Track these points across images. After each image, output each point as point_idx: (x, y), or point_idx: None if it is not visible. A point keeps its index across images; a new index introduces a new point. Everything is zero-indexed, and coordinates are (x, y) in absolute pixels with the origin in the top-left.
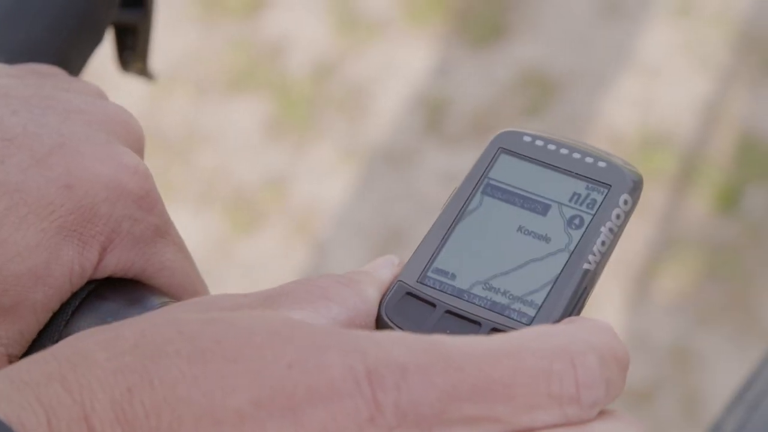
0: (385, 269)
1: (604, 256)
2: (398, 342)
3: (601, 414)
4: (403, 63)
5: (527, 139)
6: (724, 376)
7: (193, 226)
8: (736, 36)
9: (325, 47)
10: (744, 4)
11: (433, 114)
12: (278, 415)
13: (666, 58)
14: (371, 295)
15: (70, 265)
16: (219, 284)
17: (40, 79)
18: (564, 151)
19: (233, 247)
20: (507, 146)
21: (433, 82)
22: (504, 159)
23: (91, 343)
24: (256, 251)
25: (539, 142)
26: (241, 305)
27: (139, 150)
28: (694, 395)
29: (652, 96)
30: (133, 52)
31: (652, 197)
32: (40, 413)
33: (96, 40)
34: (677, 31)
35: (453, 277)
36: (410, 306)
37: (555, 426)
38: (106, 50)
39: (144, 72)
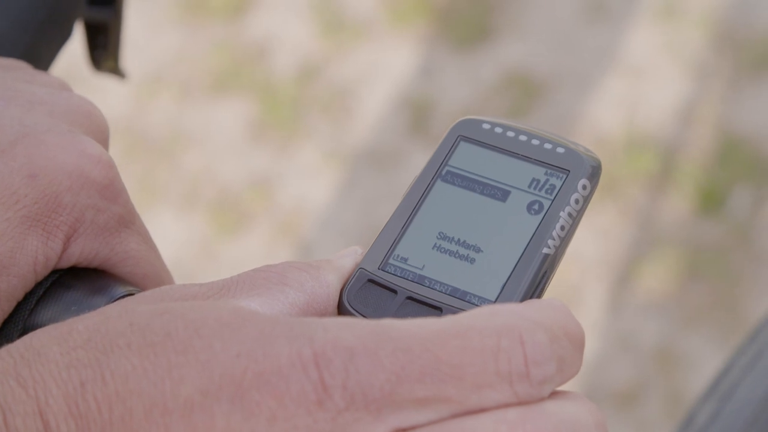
0: (347, 258)
1: (564, 240)
2: (346, 327)
3: (556, 394)
4: (388, 64)
5: (486, 126)
6: (708, 377)
7: (178, 228)
8: (720, 37)
9: (310, 49)
10: (728, 6)
11: (417, 115)
12: (226, 403)
13: (650, 59)
14: (330, 280)
15: (34, 255)
16: None
17: (3, 72)
18: (523, 137)
19: (218, 248)
20: (466, 134)
21: (417, 84)
22: (463, 146)
23: (45, 338)
24: (241, 252)
25: (498, 129)
26: (195, 295)
27: (104, 140)
28: (678, 396)
29: (636, 97)
30: (104, 50)
31: (636, 198)
32: None
33: (64, 36)
34: (661, 32)
35: (414, 263)
36: (372, 293)
37: (506, 405)
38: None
39: (115, 71)
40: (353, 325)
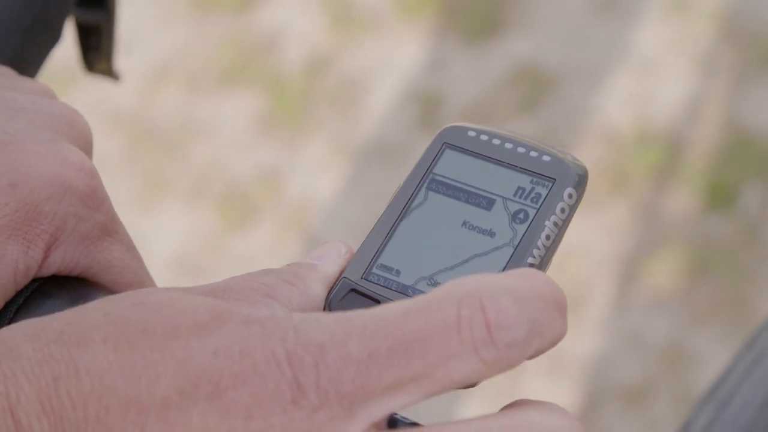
0: (331, 261)
1: (549, 250)
2: (315, 322)
3: (537, 405)
4: (397, 58)
5: (472, 134)
6: (717, 376)
7: (185, 221)
8: (731, 32)
9: (318, 42)
10: (738, 1)
11: (426, 109)
12: (203, 402)
13: (661, 53)
14: (317, 292)
15: (14, 264)
16: (211, 279)
17: None
18: (509, 145)
19: (226, 241)
20: (452, 141)
21: (426, 77)
22: (449, 154)
23: (18, 335)
24: (249, 246)
25: (484, 137)
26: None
27: (87, 148)
28: (686, 394)
29: (646, 92)
30: (97, 52)
31: (645, 194)
32: None
33: (52, 40)
34: (672, 27)
35: (397, 273)
36: (355, 302)
37: (477, 372)
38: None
39: (109, 72)
40: (321, 320)
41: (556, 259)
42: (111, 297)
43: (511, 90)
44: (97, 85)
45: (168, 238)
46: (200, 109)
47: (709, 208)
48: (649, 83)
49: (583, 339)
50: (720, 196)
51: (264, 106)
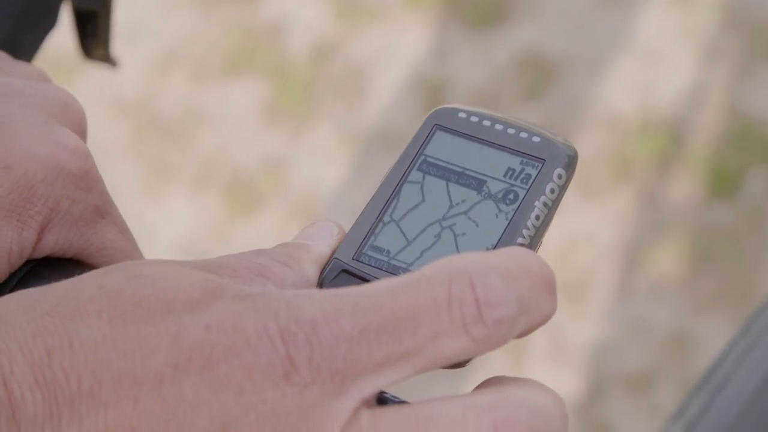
0: (324, 241)
1: (539, 230)
2: (307, 298)
3: (521, 382)
4: (402, 46)
5: (462, 115)
6: None
7: (191, 209)
8: (734, 20)
9: (324, 30)
10: None
11: (431, 97)
12: (196, 375)
13: (665, 41)
14: (309, 273)
15: (8, 246)
16: None
17: None
18: (499, 126)
19: (231, 230)
20: (442, 123)
21: (431, 66)
22: (439, 135)
23: (12, 306)
24: (254, 234)
25: (474, 118)
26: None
27: (81, 132)
28: (690, 381)
29: (650, 80)
30: (94, 39)
31: (649, 181)
32: None
33: (48, 25)
34: (676, 15)
35: (388, 253)
36: (346, 283)
37: (466, 349)
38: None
39: (106, 59)
40: (313, 296)
41: (559, 247)
42: (106, 269)
43: (516, 78)
44: (103, 73)
45: (173, 226)
46: (206, 97)
47: (712, 196)
48: (653, 71)
49: (586, 326)
50: (723, 183)
51: (269, 95)
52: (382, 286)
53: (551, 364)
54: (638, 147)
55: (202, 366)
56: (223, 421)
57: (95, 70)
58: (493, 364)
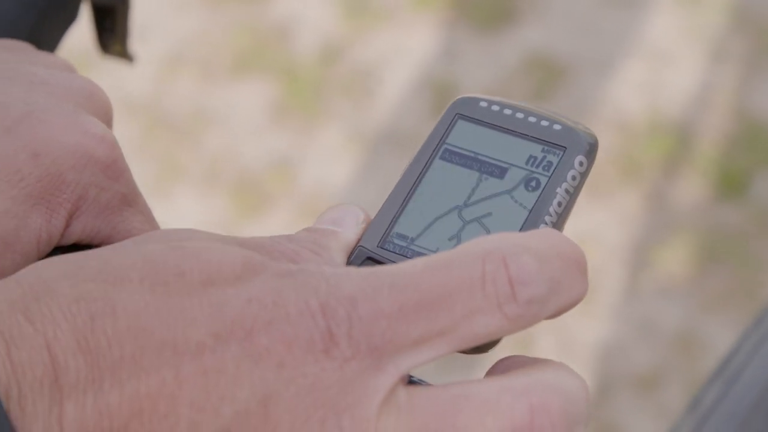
0: (351, 229)
1: (561, 216)
2: (345, 276)
3: (550, 364)
4: (410, 46)
5: (483, 104)
6: None
7: (199, 208)
8: (742, 21)
9: (332, 30)
10: None
11: (439, 98)
12: (236, 347)
13: (673, 42)
14: (338, 260)
15: (37, 233)
16: None
17: (6, 53)
18: (520, 115)
19: (239, 229)
20: (464, 112)
21: (439, 66)
22: (461, 124)
23: (55, 271)
24: (262, 233)
25: (495, 107)
26: (209, 238)
27: (107, 120)
28: (698, 381)
29: (658, 81)
30: (112, 34)
31: (657, 182)
32: (0, 342)
33: (69, 18)
34: (684, 16)
35: (412, 241)
36: None
37: (499, 327)
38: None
39: (123, 54)
40: (351, 274)
41: None
42: (146, 236)
43: (523, 79)
44: (111, 71)
45: (181, 225)
46: (214, 97)
47: (719, 197)
48: (661, 72)
49: (594, 326)
50: (731, 184)
51: (277, 94)
52: (417, 264)
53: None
54: (646, 148)
55: (243, 338)
56: (264, 394)
57: (104, 69)
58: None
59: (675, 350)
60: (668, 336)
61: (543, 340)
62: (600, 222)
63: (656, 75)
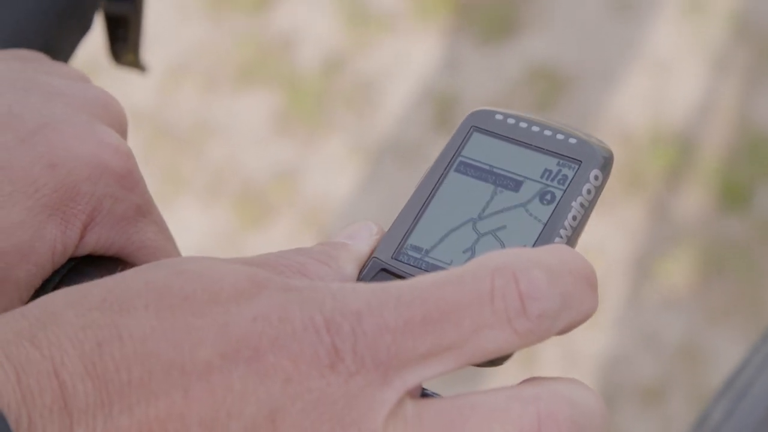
0: (363, 241)
1: (576, 230)
2: (351, 291)
3: (558, 378)
4: (412, 58)
5: (499, 117)
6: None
7: (202, 219)
8: (746, 33)
9: (335, 41)
10: (753, 1)
11: (441, 109)
12: (244, 365)
13: (676, 54)
14: (349, 272)
15: (53, 243)
16: None
17: (23, 63)
18: (535, 128)
19: (242, 240)
20: (479, 125)
21: (441, 77)
22: (477, 137)
23: (60, 302)
24: (265, 244)
25: (511, 120)
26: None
27: (122, 131)
28: (702, 393)
29: (661, 92)
30: (124, 43)
31: (660, 193)
32: (9, 369)
33: (83, 28)
34: (688, 27)
35: (427, 253)
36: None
37: (509, 343)
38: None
39: (136, 64)
40: (357, 289)
41: None
42: (148, 265)
43: (527, 90)
44: (115, 82)
45: (184, 236)
46: (217, 108)
47: (723, 208)
48: (664, 84)
49: (598, 338)
50: (734, 195)
51: (280, 105)
52: (426, 279)
53: (564, 375)
54: (649, 159)
55: (250, 356)
56: (271, 410)
57: (107, 80)
58: (505, 374)
59: (679, 362)
60: (672, 347)
61: (547, 351)
62: (603, 234)
63: (659, 86)
